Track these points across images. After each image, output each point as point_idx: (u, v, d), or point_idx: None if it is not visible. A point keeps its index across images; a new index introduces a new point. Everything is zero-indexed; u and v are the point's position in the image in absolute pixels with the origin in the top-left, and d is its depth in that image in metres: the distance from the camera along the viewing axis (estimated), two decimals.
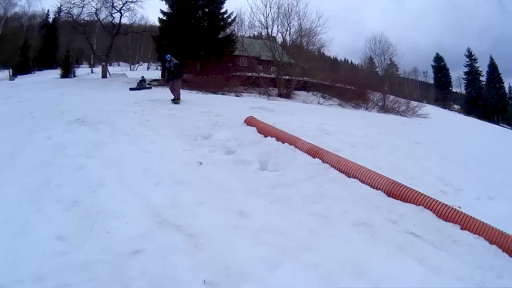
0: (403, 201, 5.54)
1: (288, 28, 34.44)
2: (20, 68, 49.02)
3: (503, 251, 4.73)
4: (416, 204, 5.44)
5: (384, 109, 32.68)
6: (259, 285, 3.27)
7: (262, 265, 3.53)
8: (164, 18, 33.55)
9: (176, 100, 15.40)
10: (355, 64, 73.33)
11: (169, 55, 16.22)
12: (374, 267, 3.81)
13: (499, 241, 4.80)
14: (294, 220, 4.64)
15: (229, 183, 5.72)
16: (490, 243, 4.82)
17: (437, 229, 4.95)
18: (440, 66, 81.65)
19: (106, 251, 3.57)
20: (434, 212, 5.27)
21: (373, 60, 55.83)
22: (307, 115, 15.23)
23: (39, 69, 54.45)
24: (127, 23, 39.68)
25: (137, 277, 3.24)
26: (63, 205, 4.50)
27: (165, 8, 33.43)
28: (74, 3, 34.35)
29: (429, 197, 5.52)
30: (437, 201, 5.45)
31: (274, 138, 8.01)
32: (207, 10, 33.03)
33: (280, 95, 30.30)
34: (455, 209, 5.31)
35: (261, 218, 4.52)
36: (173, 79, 15.94)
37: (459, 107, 77.05)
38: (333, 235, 4.40)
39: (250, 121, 9.24)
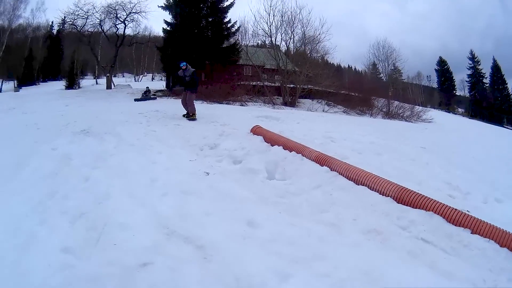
0: (412, 207, 5.53)
1: (292, 36, 34.63)
2: (25, 79, 49.28)
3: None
4: (425, 209, 5.42)
5: (389, 115, 33.00)
6: None
7: (274, 275, 3.50)
8: (168, 28, 33.91)
9: (191, 117, 13.04)
10: (359, 71, 73.64)
11: (184, 63, 13.80)
12: (386, 274, 3.79)
13: (510, 243, 4.79)
14: (303, 229, 4.61)
15: (237, 192, 5.69)
16: (500, 246, 4.82)
17: (447, 234, 4.93)
18: (443, 70, 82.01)
19: (114, 264, 3.53)
20: (443, 217, 5.26)
21: (377, 66, 56.06)
22: (313, 123, 15.33)
23: (44, 81, 54.75)
24: (131, 34, 39.95)
25: None
26: (69, 217, 4.47)
27: (169, 18, 33.74)
28: (78, 15, 34.78)
29: (438, 202, 5.52)
30: (447, 205, 5.44)
31: (281, 147, 8.05)
32: (210, 19, 33.31)
33: (285, 104, 30.46)
34: (465, 213, 5.31)
35: (271, 228, 4.50)
36: (187, 90, 13.61)
37: (463, 110, 77.31)
38: (343, 243, 4.38)
39: (256, 130, 9.28)
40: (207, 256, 3.73)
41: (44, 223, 4.31)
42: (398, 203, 5.68)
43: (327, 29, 35.08)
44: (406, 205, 5.59)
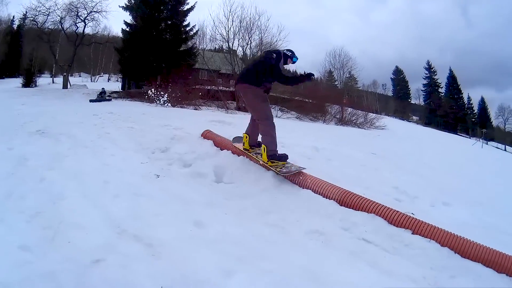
0: (355, 209, 5.74)
1: (249, 42, 35.25)
2: None
3: (455, 253, 4.97)
4: (367, 211, 5.64)
5: (342, 121, 33.76)
6: None
7: (218, 272, 3.64)
8: (128, 29, 33.58)
9: (277, 157, 7.11)
10: (315, 78, 74.14)
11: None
12: (327, 272, 3.97)
13: (451, 243, 5.06)
14: (248, 229, 4.78)
15: (185, 195, 5.81)
16: (441, 245, 5.06)
17: (389, 235, 5.14)
18: (399, 79, 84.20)
19: (68, 261, 3.62)
20: (385, 219, 5.48)
21: (333, 74, 56.69)
22: None
23: (1, 77, 53.34)
24: (91, 33, 39.54)
25: (98, 285, 3.33)
26: (26, 216, 4.53)
27: (129, 19, 33.46)
28: (39, 11, 34.18)
29: (380, 204, 5.75)
30: (388, 208, 5.67)
31: (230, 151, 8.14)
32: (170, 22, 33.23)
33: (238, 109, 30.99)
34: (406, 215, 5.54)
35: (217, 228, 4.64)
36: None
37: (418, 118, 79.07)
38: (286, 243, 4.57)
39: (207, 135, 9.34)
40: (156, 253, 3.86)
41: (2, 222, 4.36)
42: (341, 205, 5.88)
43: (284, 36, 35.57)
44: (349, 208, 5.80)
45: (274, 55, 7.32)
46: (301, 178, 6.68)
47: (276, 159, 7.07)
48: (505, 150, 56.96)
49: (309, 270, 3.94)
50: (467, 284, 4.34)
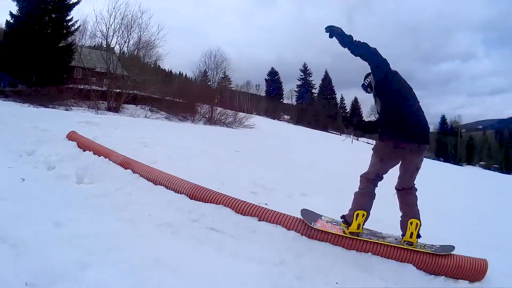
0: (204, 202, 6.31)
1: (128, 40, 34.75)
2: None
3: (302, 235, 5.61)
4: (216, 203, 6.22)
5: (211, 121, 34.11)
6: (73, 282, 3.72)
7: (75, 265, 3.98)
8: (12, 21, 31.93)
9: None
10: (188, 77, 74.15)
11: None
12: (174, 260, 4.43)
13: (296, 226, 5.73)
14: (103, 225, 5.15)
15: (47, 197, 6.04)
16: (288, 229, 5.68)
17: (235, 223, 5.73)
18: (273, 80, 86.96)
19: None
20: (232, 209, 6.10)
21: (207, 74, 57.21)
22: (131, 129, 15.96)
23: None
24: None
25: None
26: None
27: (15, 10, 31.86)
28: None
29: (227, 196, 6.37)
30: (235, 198, 6.32)
31: (92, 152, 8.45)
32: (54, 16, 32.06)
33: (109, 109, 30.86)
34: (252, 204, 6.21)
35: (74, 226, 4.93)
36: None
37: (289, 117, 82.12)
38: (137, 236, 5.02)
39: (71, 136, 9.59)
40: (20, 253, 4.09)
41: None
42: (191, 199, 6.42)
43: (163, 35, 35.72)
44: (199, 201, 6.36)
45: None
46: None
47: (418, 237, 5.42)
48: None
49: (157, 259, 4.38)
50: (313, 261, 4.97)
